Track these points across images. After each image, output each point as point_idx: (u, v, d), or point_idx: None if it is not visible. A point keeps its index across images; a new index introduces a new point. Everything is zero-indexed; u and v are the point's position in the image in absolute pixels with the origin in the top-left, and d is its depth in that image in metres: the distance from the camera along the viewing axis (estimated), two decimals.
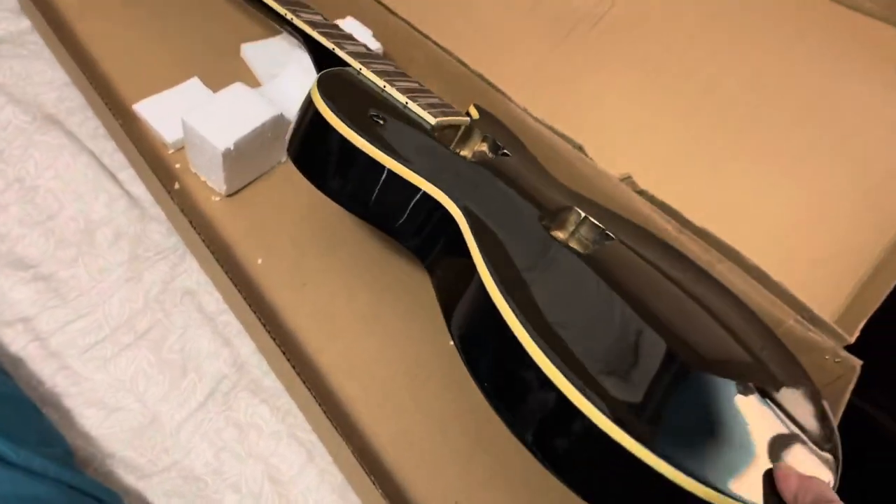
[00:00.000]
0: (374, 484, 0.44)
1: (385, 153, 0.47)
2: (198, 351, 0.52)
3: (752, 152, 0.63)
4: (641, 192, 0.58)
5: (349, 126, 0.47)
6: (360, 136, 0.46)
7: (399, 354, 0.53)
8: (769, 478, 0.38)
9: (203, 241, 0.53)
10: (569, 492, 0.37)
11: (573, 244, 0.52)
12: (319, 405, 0.47)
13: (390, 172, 0.47)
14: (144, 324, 0.52)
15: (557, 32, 0.70)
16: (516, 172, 0.53)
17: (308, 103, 0.49)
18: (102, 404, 0.49)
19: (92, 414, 0.48)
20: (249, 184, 0.60)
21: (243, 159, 0.56)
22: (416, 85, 0.56)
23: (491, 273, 0.42)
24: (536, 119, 0.62)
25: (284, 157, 0.62)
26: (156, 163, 0.60)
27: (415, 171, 0.47)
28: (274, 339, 0.49)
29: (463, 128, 0.56)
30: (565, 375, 0.36)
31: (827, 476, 0.40)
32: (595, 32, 0.69)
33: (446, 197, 0.47)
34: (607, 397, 0.36)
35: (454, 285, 0.46)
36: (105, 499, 0.42)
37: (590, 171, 0.60)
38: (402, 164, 0.47)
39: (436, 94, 0.57)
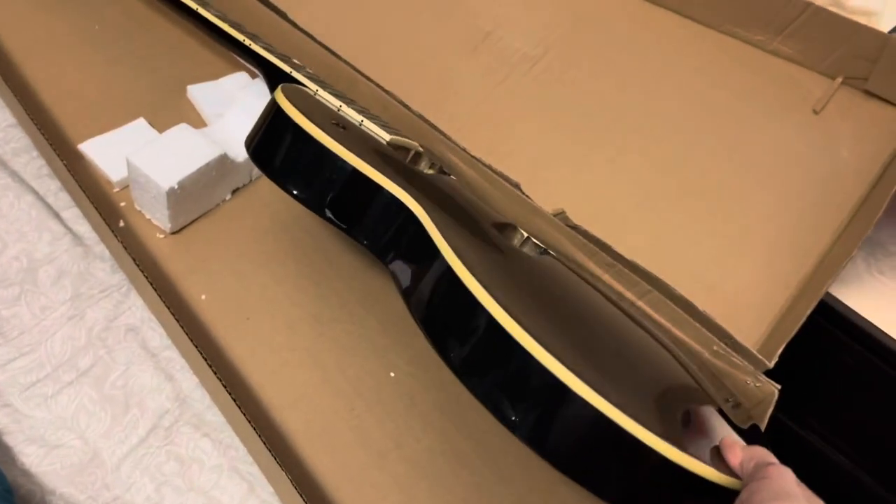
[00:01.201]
0: None
1: (349, 150, 0.48)
2: (140, 386, 0.52)
3: (678, 189, 0.67)
4: (574, 227, 0.61)
5: (314, 124, 0.49)
6: (325, 133, 0.48)
7: (340, 386, 0.54)
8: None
9: (147, 278, 0.54)
10: None
11: (527, 249, 0.56)
12: (260, 437, 0.48)
13: (354, 170, 0.48)
14: (87, 361, 0.53)
15: (496, 75, 0.74)
16: (464, 191, 0.56)
17: (272, 105, 0.51)
18: (43, 441, 0.49)
19: (33, 451, 0.49)
20: (194, 221, 0.61)
21: (188, 198, 0.58)
22: (366, 110, 0.59)
23: (460, 257, 0.42)
24: (475, 157, 0.64)
25: (228, 195, 0.63)
26: (100, 201, 0.61)
27: (377, 170, 0.49)
28: (216, 374, 0.50)
29: (413, 151, 0.59)
30: (546, 348, 0.36)
31: None
32: (531, 76, 0.73)
33: (407, 195, 0.48)
34: (592, 376, 0.36)
35: (418, 273, 0.46)
36: None
37: (526, 208, 0.62)
38: (365, 161, 0.48)
39: (385, 120, 0.60)
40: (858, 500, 0.70)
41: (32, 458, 0.48)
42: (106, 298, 0.56)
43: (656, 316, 0.58)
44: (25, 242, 0.58)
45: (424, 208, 0.48)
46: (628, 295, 0.59)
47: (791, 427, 0.71)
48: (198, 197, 0.59)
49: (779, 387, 0.55)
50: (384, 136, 0.55)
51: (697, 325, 0.57)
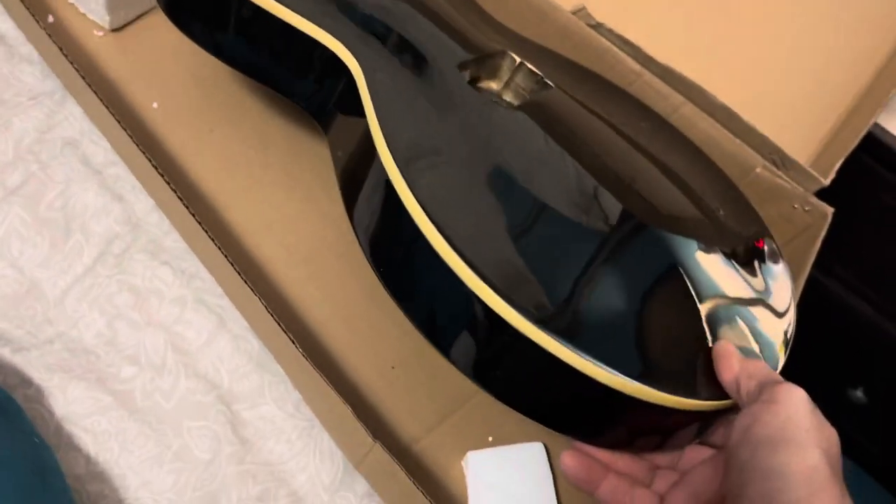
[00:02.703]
0: (298, 350, 0.37)
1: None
2: (83, 208, 0.44)
3: None
4: (597, 26, 0.51)
5: None
6: None
7: (324, 208, 0.46)
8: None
9: (86, 81, 0.44)
10: None
11: (508, 96, 0.45)
12: (231, 264, 0.39)
13: (271, 17, 0.39)
14: (16, 178, 0.44)
15: None
16: (440, 11, 0.45)
17: None
18: None
19: None
20: (141, 16, 0.50)
21: None
22: None
23: (390, 146, 0.34)
24: None
25: None
26: None
27: (302, 14, 0.39)
28: (175, 192, 0.41)
29: None
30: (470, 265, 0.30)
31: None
32: None
33: (341, 45, 0.39)
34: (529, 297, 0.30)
35: (352, 163, 0.38)
36: None
37: (539, 5, 0.52)
38: (285, 5, 0.39)
39: None
40: (880, 351, 0.65)
41: None
42: (36, 107, 0.46)
43: (691, 133, 0.50)
44: None
45: (363, 63, 0.38)
46: (659, 108, 0.50)
47: (810, 273, 0.65)
48: None
49: (832, 209, 0.48)
50: None
51: (740, 141, 0.49)
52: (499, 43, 0.45)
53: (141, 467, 0.38)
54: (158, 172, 0.41)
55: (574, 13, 0.52)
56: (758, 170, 0.49)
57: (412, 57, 0.41)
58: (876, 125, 0.56)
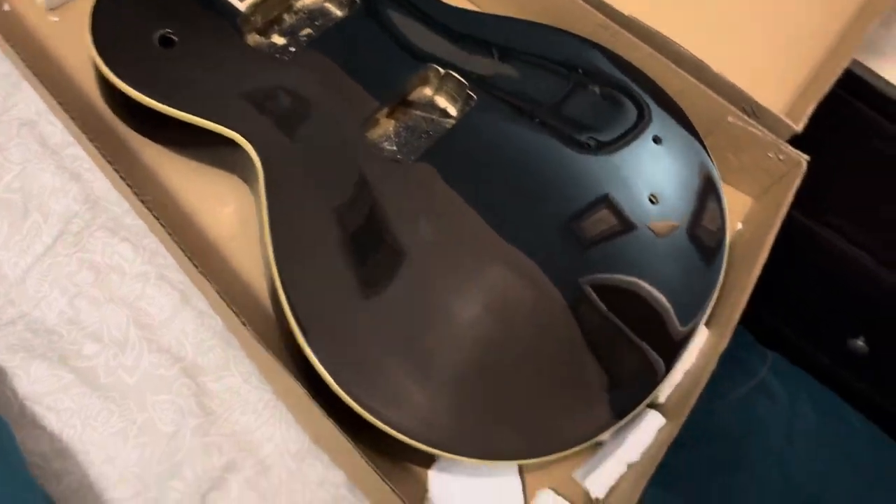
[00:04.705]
0: (250, 332, 0.37)
1: (162, 102, 0.40)
2: (41, 188, 0.43)
3: None
4: None
5: (122, 78, 0.40)
6: (134, 88, 0.40)
7: None
8: None
9: (33, 71, 0.43)
10: None
11: (442, 102, 0.46)
12: (182, 249, 0.39)
13: (175, 120, 0.41)
14: None
15: None
16: (359, 39, 0.46)
17: None
18: None
19: None
20: None
21: None
22: None
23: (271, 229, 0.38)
24: None
25: None
26: None
27: (201, 115, 0.40)
28: (124, 180, 0.40)
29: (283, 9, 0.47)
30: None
31: None
32: None
33: (240, 137, 0.41)
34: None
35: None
36: None
37: None
38: (186, 111, 0.40)
39: None
40: (883, 303, 0.64)
41: None
42: None
43: (661, 85, 0.49)
44: None
45: (260, 149, 0.40)
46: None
47: (806, 224, 0.64)
48: None
49: (807, 157, 0.47)
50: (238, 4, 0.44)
51: (710, 91, 0.48)
52: (435, 46, 0.46)
53: (105, 443, 0.38)
54: (107, 161, 0.41)
55: None
56: (729, 118, 0.48)
57: (307, 136, 0.42)
58: (870, 72, 0.55)
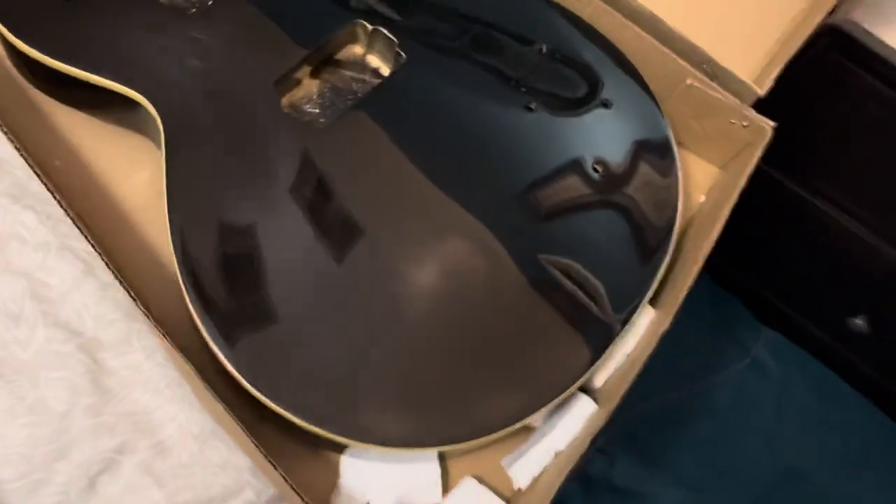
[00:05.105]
0: (151, 321, 0.34)
1: (56, 58, 0.38)
2: None
3: None
4: None
5: (15, 33, 0.38)
6: (28, 44, 0.38)
7: None
8: None
9: None
10: None
11: (374, 62, 0.44)
12: (76, 223, 0.36)
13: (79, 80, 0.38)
14: None
15: None
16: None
17: None
18: None
19: None
20: None
21: None
22: None
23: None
24: None
25: None
26: None
27: (97, 72, 0.38)
28: (19, 150, 0.38)
29: None
30: None
31: None
32: None
33: (140, 96, 0.38)
34: None
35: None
36: None
37: None
38: (81, 68, 0.38)
39: None
40: (881, 275, 0.60)
41: None
42: None
43: (616, 43, 0.45)
44: None
45: (158, 107, 0.38)
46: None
47: (798, 193, 0.60)
48: None
49: (773, 124, 0.43)
50: None
51: (668, 51, 0.44)
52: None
53: None
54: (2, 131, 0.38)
55: None
56: (688, 81, 0.44)
57: (214, 95, 0.39)
58: (867, 33, 0.51)
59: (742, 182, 0.42)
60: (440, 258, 0.37)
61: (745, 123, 0.44)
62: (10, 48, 0.39)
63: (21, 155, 0.38)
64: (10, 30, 0.38)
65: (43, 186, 0.40)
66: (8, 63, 0.42)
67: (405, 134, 0.39)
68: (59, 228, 0.40)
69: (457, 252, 0.37)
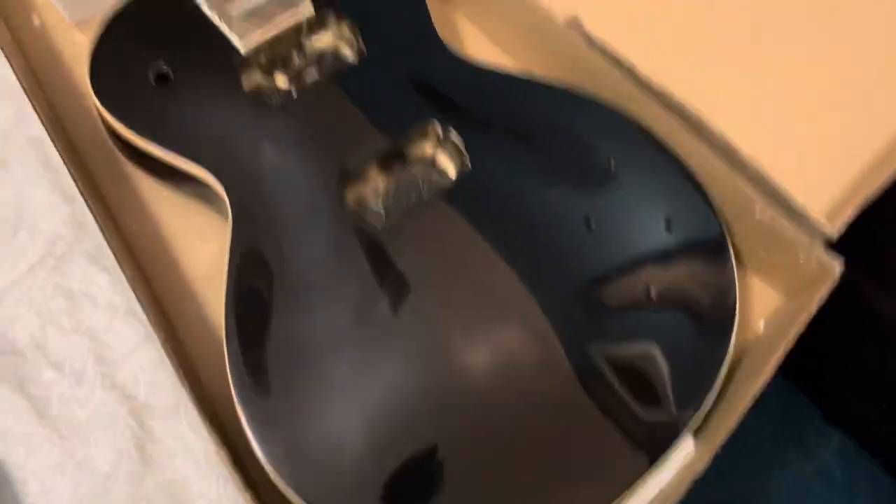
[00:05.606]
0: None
1: (141, 135, 0.41)
2: (35, 207, 0.44)
3: (737, 16, 0.49)
4: (589, 41, 0.47)
5: (116, 115, 0.41)
6: (129, 128, 0.41)
7: None
8: None
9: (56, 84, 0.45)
10: None
11: (443, 161, 0.44)
12: (140, 302, 0.38)
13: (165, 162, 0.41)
14: None
15: None
16: (362, 87, 0.44)
17: None
18: None
19: None
20: None
21: None
22: None
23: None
24: None
25: None
26: None
27: (179, 153, 0.41)
28: (94, 216, 0.41)
29: (305, 23, 0.45)
30: None
31: None
32: None
33: (213, 178, 0.40)
34: None
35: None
36: None
37: (525, 13, 0.48)
38: (164, 147, 0.41)
39: None
40: None
41: None
42: (8, 102, 0.47)
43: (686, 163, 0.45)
44: None
45: (228, 191, 0.40)
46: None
47: (876, 294, 0.57)
48: None
49: (841, 264, 0.42)
50: (245, 42, 0.43)
51: (738, 177, 0.43)
52: (442, 101, 0.44)
53: (43, 474, 0.38)
54: (79, 190, 0.41)
55: (567, 24, 0.47)
56: (757, 212, 0.43)
57: (284, 184, 0.41)
58: None
59: (803, 319, 0.41)
60: (497, 376, 0.37)
61: (812, 262, 0.42)
62: (105, 123, 0.42)
63: (95, 218, 0.40)
64: (104, 107, 0.40)
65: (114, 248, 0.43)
66: (104, 135, 0.45)
67: (469, 237, 0.40)
68: (128, 292, 0.42)
69: (510, 374, 0.37)
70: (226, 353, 0.36)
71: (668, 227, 0.42)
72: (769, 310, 0.46)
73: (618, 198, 0.43)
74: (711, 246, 0.42)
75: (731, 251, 0.42)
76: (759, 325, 0.46)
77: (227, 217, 0.43)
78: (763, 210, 0.43)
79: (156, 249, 0.44)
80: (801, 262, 0.43)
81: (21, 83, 0.47)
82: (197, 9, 0.44)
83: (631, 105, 0.45)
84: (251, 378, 0.36)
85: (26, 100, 0.47)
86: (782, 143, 0.45)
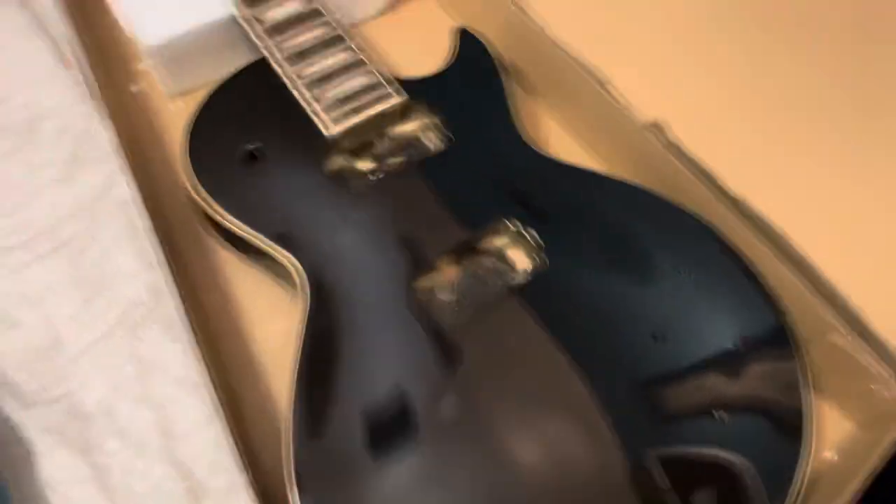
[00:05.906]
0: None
1: (238, 219, 0.42)
2: (117, 271, 0.46)
3: (820, 120, 0.49)
4: (671, 147, 0.46)
5: (204, 189, 0.43)
6: (214, 202, 0.43)
7: None
8: None
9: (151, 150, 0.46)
10: None
11: (521, 259, 0.44)
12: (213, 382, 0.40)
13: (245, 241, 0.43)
14: (68, 232, 0.47)
15: None
16: (443, 177, 0.45)
17: None
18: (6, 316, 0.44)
19: None
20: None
21: (188, 58, 0.48)
22: (347, 58, 0.46)
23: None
24: (555, 43, 0.50)
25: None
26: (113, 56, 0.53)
27: (260, 231, 0.42)
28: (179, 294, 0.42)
29: (398, 111, 0.47)
30: None
31: None
32: None
33: (288, 260, 0.42)
34: None
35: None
36: None
37: (606, 110, 0.48)
38: (246, 226, 0.43)
39: (375, 67, 0.47)
40: None
41: None
42: (103, 165, 0.49)
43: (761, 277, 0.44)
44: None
45: (306, 273, 0.41)
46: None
47: None
48: (204, 57, 0.50)
49: None
50: (327, 128, 0.44)
51: (815, 298, 0.43)
52: (523, 198, 0.44)
53: None
54: (157, 259, 0.42)
55: (647, 128, 0.47)
56: (832, 336, 0.42)
57: (359, 272, 0.42)
58: None
59: (875, 456, 0.39)
60: (563, 480, 0.36)
61: (888, 394, 0.41)
62: (192, 196, 0.44)
63: (174, 287, 0.41)
64: (200, 182, 0.42)
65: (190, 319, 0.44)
66: (189, 210, 0.47)
67: (538, 337, 0.40)
68: (199, 366, 0.43)
69: (574, 480, 0.37)
70: (291, 446, 0.36)
71: (739, 345, 0.41)
72: (840, 438, 0.45)
73: (691, 310, 0.42)
74: (782, 371, 0.41)
75: (805, 375, 0.41)
76: (830, 456, 0.44)
77: (296, 292, 0.44)
78: (839, 337, 0.42)
79: (227, 323, 0.44)
80: (875, 392, 0.42)
81: (117, 147, 0.49)
82: (284, 88, 0.45)
83: (709, 213, 0.45)
84: (313, 467, 0.36)
85: (119, 163, 0.49)
86: (866, 268, 0.44)
